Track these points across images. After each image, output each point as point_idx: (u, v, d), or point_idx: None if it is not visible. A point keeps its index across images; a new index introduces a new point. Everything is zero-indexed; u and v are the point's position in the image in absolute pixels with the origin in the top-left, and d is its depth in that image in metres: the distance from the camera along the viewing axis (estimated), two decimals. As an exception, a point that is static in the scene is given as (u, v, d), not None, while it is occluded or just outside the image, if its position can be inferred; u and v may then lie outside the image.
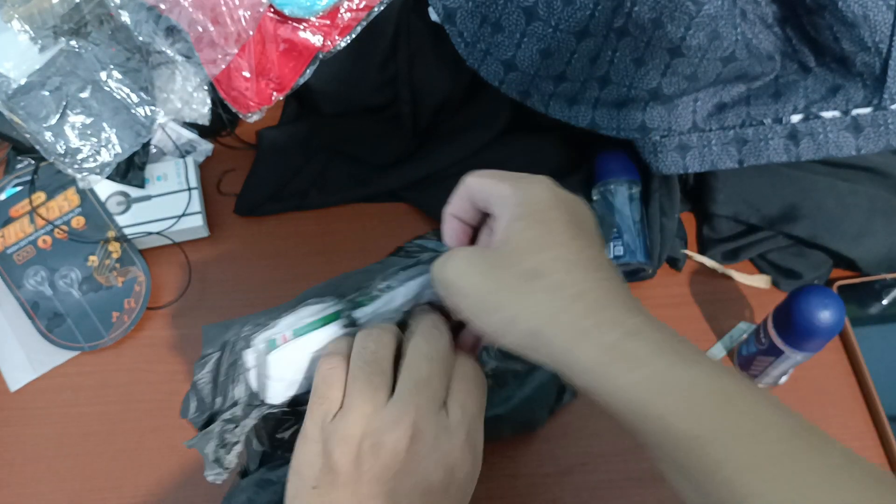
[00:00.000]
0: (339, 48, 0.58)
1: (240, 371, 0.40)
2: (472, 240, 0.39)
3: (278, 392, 0.39)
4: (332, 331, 0.38)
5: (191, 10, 0.55)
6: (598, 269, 0.32)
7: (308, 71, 0.59)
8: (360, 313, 0.39)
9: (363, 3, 0.57)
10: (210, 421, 0.42)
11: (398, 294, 0.39)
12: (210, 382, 0.43)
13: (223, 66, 0.57)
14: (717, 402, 0.28)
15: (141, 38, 0.57)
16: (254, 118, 0.59)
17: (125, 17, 0.56)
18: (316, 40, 0.58)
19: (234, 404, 0.41)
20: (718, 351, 0.59)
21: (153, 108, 0.62)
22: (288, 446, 0.40)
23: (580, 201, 0.36)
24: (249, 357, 0.39)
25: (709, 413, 0.28)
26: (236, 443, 0.41)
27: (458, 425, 0.33)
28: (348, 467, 0.32)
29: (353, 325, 0.38)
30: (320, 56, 0.59)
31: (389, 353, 0.35)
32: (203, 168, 0.67)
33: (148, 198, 0.63)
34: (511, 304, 0.31)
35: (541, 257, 0.32)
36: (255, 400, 0.41)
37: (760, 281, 0.61)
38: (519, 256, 0.32)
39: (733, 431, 0.28)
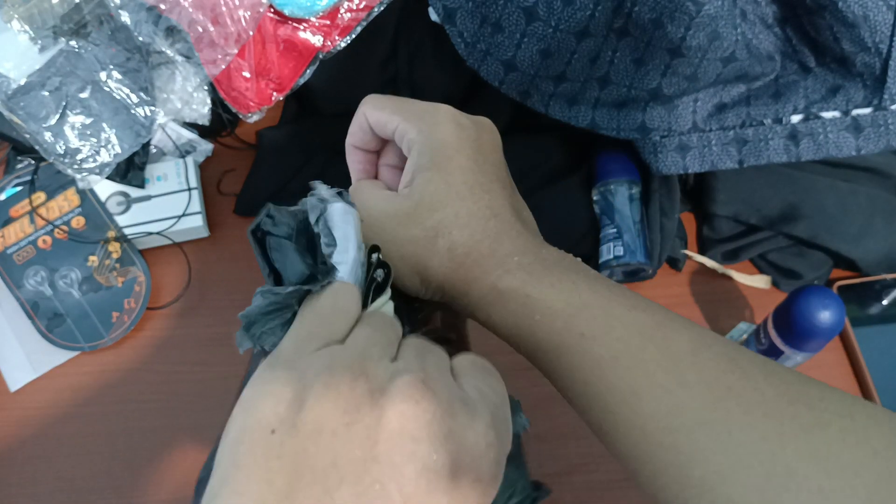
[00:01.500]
0: (339, 48, 0.58)
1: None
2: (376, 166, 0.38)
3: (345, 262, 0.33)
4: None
5: (191, 10, 0.55)
6: (489, 217, 0.32)
7: (308, 71, 0.59)
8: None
9: (363, 3, 0.57)
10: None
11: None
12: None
13: (223, 67, 0.57)
14: (571, 309, 0.30)
15: (141, 39, 0.57)
16: (254, 118, 0.59)
17: (125, 17, 0.56)
18: (316, 40, 0.58)
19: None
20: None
21: (153, 108, 0.62)
22: None
23: (484, 129, 0.35)
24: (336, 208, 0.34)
25: (564, 323, 0.30)
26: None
27: (479, 405, 0.25)
28: (331, 414, 0.22)
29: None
30: (320, 56, 0.59)
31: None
32: (203, 168, 0.67)
33: (148, 198, 0.63)
34: (421, 266, 0.32)
35: (440, 214, 0.32)
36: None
37: (760, 281, 0.61)
38: (423, 212, 0.32)
39: (583, 338, 0.29)
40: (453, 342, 0.41)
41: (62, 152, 0.60)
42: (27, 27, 0.59)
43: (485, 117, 0.36)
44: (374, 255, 0.33)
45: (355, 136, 0.37)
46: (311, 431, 0.22)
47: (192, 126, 0.66)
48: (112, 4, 0.56)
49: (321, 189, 0.36)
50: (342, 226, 0.35)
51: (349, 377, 0.23)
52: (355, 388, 0.23)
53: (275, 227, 0.36)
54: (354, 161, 0.38)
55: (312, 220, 0.35)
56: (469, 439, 0.23)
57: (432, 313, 0.38)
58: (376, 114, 0.35)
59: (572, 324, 0.30)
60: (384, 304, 0.35)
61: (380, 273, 0.34)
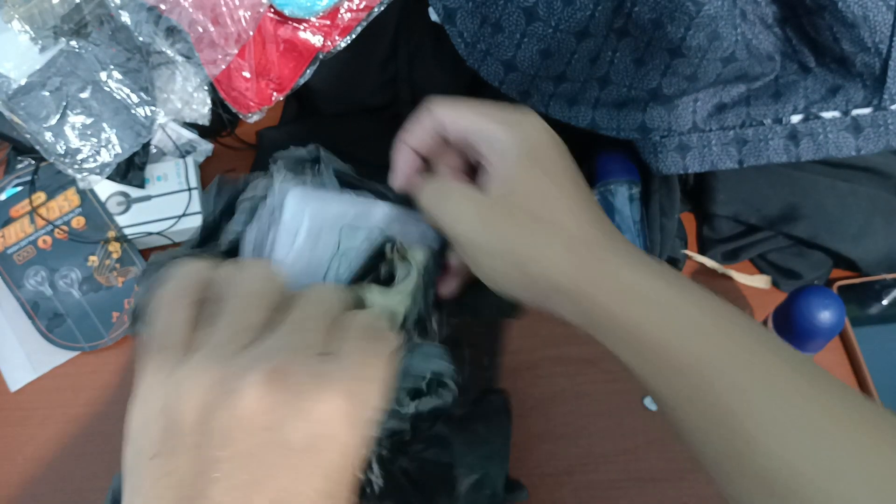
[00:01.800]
0: (339, 48, 0.58)
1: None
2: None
3: (284, 245, 0.35)
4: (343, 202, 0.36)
5: (191, 10, 0.55)
6: (596, 216, 0.33)
7: (308, 71, 0.59)
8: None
9: (363, 3, 0.57)
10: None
11: (379, 206, 0.37)
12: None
13: (223, 67, 0.57)
14: (718, 330, 0.30)
15: (141, 39, 0.57)
16: (254, 118, 0.59)
17: (125, 17, 0.56)
18: (316, 40, 0.58)
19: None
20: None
21: (153, 108, 0.62)
22: None
23: (556, 135, 0.35)
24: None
25: (711, 340, 0.30)
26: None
27: (338, 372, 0.26)
28: (193, 425, 0.24)
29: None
30: (320, 56, 0.59)
31: (276, 297, 0.29)
32: (203, 168, 0.67)
33: (148, 198, 0.63)
34: (530, 261, 0.32)
35: (550, 207, 0.32)
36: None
37: (760, 281, 0.61)
38: (529, 210, 0.32)
39: (732, 357, 0.30)
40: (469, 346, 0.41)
41: (63, 152, 0.60)
42: (28, 27, 0.59)
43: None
44: (389, 245, 0.34)
45: (416, 136, 0.36)
46: (187, 447, 0.24)
47: (192, 126, 0.66)
48: (112, 5, 0.56)
49: (281, 172, 0.36)
50: (294, 212, 0.35)
51: (205, 387, 0.25)
52: (213, 392, 0.25)
53: (217, 196, 0.37)
54: (405, 161, 0.37)
55: (248, 195, 0.36)
56: (320, 413, 0.25)
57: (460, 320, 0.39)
58: (453, 115, 0.34)
59: (716, 342, 0.30)
60: (393, 300, 0.35)
61: (384, 270, 0.35)
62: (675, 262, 0.62)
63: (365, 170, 0.66)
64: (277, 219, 0.37)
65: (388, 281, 0.38)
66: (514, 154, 0.33)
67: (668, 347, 0.30)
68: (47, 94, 0.60)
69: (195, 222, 0.62)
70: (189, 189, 0.63)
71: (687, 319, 0.30)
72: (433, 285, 0.37)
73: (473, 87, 0.64)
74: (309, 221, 0.36)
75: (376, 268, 0.38)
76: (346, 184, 0.41)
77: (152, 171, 0.63)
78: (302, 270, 0.37)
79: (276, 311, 0.28)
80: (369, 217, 0.38)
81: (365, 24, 0.58)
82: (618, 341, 0.32)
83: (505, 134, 0.33)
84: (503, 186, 0.33)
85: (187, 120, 0.64)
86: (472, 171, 0.37)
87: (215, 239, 0.38)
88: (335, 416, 0.25)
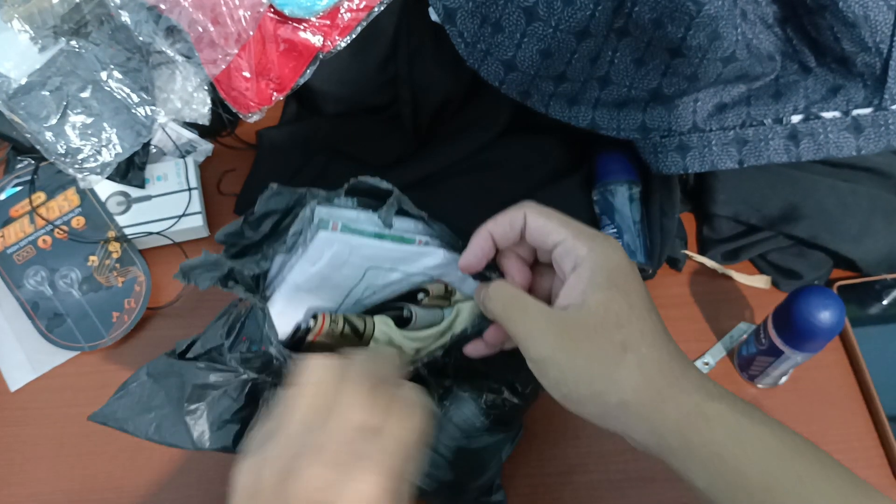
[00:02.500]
0: (339, 48, 0.58)
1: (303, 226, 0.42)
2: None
3: (302, 271, 0.41)
4: (375, 245, 0.42)
5: (191, 10, 0.55)
6: (669, 339, 0.35)
7: (308, 71, 0.59)
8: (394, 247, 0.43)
9: (363, 3, 0.57)
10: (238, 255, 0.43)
11: (433, 255, 0.41)
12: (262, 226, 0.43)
13: (223, 67, 0.57)
14: (785, 455, 0.33)
15: (141, 39, 0.57)
16: (254, 118, 0.59)
17: (125, 17, 0.56)
18: (316, 40, 0.58)
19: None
20: (718, 351, 0.59)
21: (153, 108, 0.62)
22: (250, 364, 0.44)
23: (633, 262, 0.38)
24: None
25: (779, 465, 0.32)
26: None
27: (378, 454, 0.32)
28: (273, 480, 0.31)
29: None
30: (320, 56, 0.59)
31: (337, 372, 0.34)
32: (203, 168, 0.67)
33: (148, 198, 0.63)
34: (601, 378, 0.33)
35: (627, 331, 0.34)
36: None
37: (760, 281, 0.61)
38: (604, 329, 0.34)
39: (800, 481, 0.32)
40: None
41: (63, 152, 0.60)
42: (27, 27, 0.59)
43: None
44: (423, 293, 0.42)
45: (501, 227, 0.38)
46: (267, 494, 0.31)
47: (192, 126, 0.66)
48: (112, 4, 0.56)
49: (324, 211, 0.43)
50: (321, 248, 0.41)
51: (279, 467, 0.31)
52: (275, 466, 0.31)
53: (266, 202, 0.42)
54: (481, 243, 0.39)
55: (296, 225, 0.42)
56: (362, 490, 0.30)
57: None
58: (541, 221, 0.37)
59: (788, 466, 0.32)
60: (406, 339, 0.42)
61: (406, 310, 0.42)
62: (675, 262, 0.62)
63: (365, 169, 0.66)
64: (304, 249, 0.42)
65: (406, 320, 0.43)
66: (594, 274, 0.35)
67: (745, 471, 0.32)
68: (47, 93, 0.60)
69: (195, 222, 0.62)
70: (189, 189, 0.63)
71: (762, 444, 0.33)
72: (465, 340, 0.41)
73: (473, 87, 0.64)
74: (331, 259, 0.42)
75: (401, 304, 0.43)
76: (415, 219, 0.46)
77: (152, 170, 0.63)
78: (316, 287, 0.42)
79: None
80: (416, 262, 0.43)
81: (365, 24, 0.58)
82: (691, 464, 0.33)
83: (587, 252, 0.35)
84: (580, 304, 0.34)
85: (187, 120, 0.64)
86: (534, 264, 0.40)
87: (253, 254, 0.43)
88: (375, 491, 0.30)
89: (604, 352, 0.33)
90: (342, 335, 0.42)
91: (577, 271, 0.35)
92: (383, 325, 0.42)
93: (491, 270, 0.40)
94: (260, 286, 0.44)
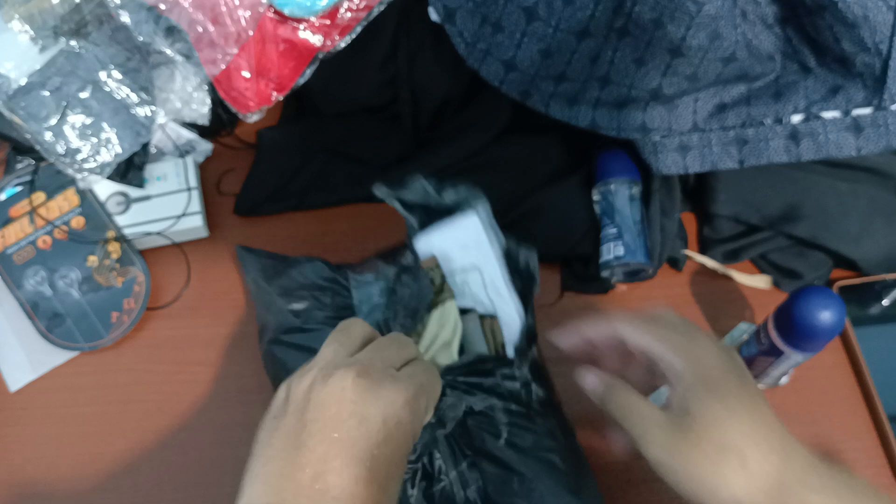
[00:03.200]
0: (339, 48, 0.58)
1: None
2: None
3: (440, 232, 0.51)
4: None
5: (190, 10, 0.55)
6: (776, 434, 0.37)
7: (308, 71, 0.59)
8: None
9: (363, 2, 0.57)
10: None
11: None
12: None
13: (223, 67, 0.57)
14: None
15: (141, 39, 0.57)
16: (253, 118, 0.59)
17: (125, 17, 0.56)
18: (316, 40, 0.58)
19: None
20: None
21: (153, 108, 0.62)
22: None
23: (735, 353, 0.40)
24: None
25: None
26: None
27: (406, 380, 0.38)
28: (300, 395, 0.36)
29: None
30: (320, 56, 0.59)
31: (364, 334, 0.41)
32: (203, 168, 0.67)
33: (147, 198, 0.62)
34: (710, 480, 0.36)
35: (727, 435, 0.37)
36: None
37: (761, 281, 0.61)
38: (706, 434, 0.37)
39: None
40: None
41: (63, 152, 0.60)
42: (27, 27, 0.59)
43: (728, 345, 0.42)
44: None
45: (599, 333, 0.43)
46: (292, 410, 0.36)
47: (191, 126, 0.66)
48: (112, 4, 0.56)
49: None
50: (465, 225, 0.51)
51: (313, 375, 0.37)
52: (317, 378, 0.37)
53: (403, 191, 0.51)
54: (574, 340, 0.44)
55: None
56: (393, 398, 0.36)
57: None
58: (636, 335, 0.41)
59: None
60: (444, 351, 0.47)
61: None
62: (675, 261, 0.62)
63: (365, 169, 0.66)
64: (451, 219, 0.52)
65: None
66: (689, 383, 0.38)
67: None
68: (47, 93, 0.60)
69: (194, 222, 0.62)
70: (188, 189, 0.63)
71: None
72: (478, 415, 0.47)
73: (474, 86, 0.64)
74: (464, 238, 0.51)
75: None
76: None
77: (152, 170, 0.63)
78: (439, 248, 0.51)
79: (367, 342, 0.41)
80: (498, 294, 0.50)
81: (365, 23, 0.58)
82: None
83: (679, 362, 0.39)
84: (684, 412, 0.38)
85: (187, 120, 0.64)
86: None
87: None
88: (400, 404, 0.36)
89: (708, 456, 0.36)
90: (431, 279, 0.49)
91: (679, 382, 0.39)
92: (453, 308, 0.48)
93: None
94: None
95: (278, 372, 0.52)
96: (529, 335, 0.48)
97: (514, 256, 0.50)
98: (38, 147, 0.60)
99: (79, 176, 0.61)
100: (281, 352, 0.52)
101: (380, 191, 0.51)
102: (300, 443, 0.34)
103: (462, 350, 0.48)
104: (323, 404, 0.35)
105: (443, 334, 0.46)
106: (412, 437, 0.37)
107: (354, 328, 0.41)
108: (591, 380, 0.43)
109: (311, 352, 0.41)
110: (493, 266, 0.49)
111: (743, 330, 0.59)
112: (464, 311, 0.49)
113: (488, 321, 0.49)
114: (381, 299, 0.50)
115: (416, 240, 0.51)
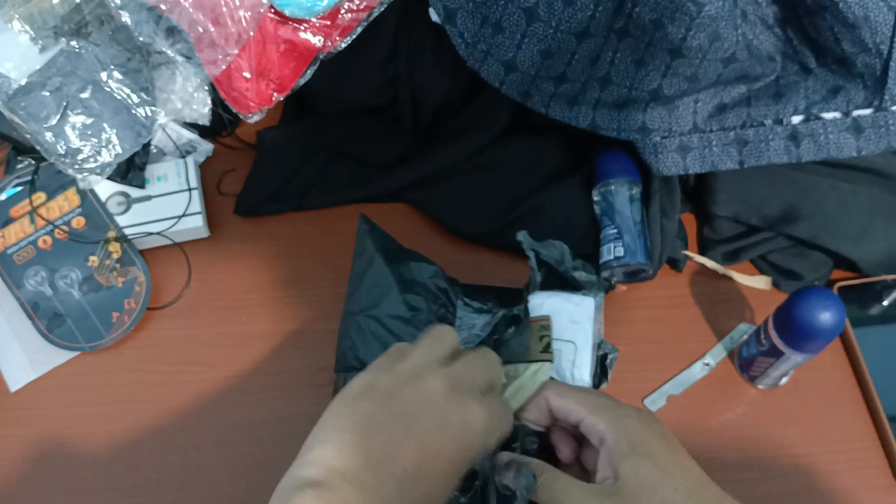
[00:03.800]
0: (339, 49, 0.58)
1: None
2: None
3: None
4: None
5: (191, 10, 0.55)
6: (707, 488, 0.38)
7: (308, 71, 0.59)
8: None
9: (363, 3, 0.57)
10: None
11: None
12: None
13: (223, 67, 0.57)
14: None
15: (141, 39, 0.57)
16: (254, 118, 0.59)
17: (126, 17, 0.56)
18: (316, 41, 0.58)
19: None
20: (719, 352, 0.59)
21: (154, 108, 0.62)
22: None
23: (655, 417, 0.41)
24: None
25: None
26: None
27: (488, 408, 0.39)
28: (389, 387, 0.37)
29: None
30: (321, 56, 0.59)
31: (454, 346, 0.42)
32: (203, 168, 0.67)
33: (148, 198, 0.63)
34: None
35: (661, 492, 0.37)
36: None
37: (761, 282, 0.61)
38: (644, 493, 0.37)
39: None
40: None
41: (63, 152, 0.60)
42: (28, 27, 0.59)
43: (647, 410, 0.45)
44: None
45: (532, 413, 0.44)
46: (378, 398, 0.37)
47: (192, 126, 0.66)
48: (112, 5, 0.56)
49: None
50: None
51: (404, 374, 0.38)
52: (407, 377, 0.38)
53: (543, 249, 0.53)
54: (535, 416, 0.45)
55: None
56: (474, 419, 0.38)
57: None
58: (559, 401, 0.42)
59: None
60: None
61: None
62: (675, 262, 0.62)
63: (365, 169, 0.66)
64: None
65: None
66: (616, 444, 0.39)
67: None
68: (47, 94, 0.60)
69: (195, 222, 0.62)
70: (189, 189, 0.63)
71: None
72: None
73: (474, 87, 0.64)
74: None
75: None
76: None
77: (152, 171, 0.63)
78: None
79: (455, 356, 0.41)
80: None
81: (365, 24, 0.58)
82: None
83: (606, 426, 0.39)
84: (613, 477, 0.38)
85: (187, 120, 0.64)
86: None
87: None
88: (478, 421, 0.37)
89: None
90: (541, 336, 0.50)
91: (603, 445, 0.39)
92: (548, 371, 0.48)
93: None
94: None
95: (353, 345, 0.52)
96: None
97: (601, 349, 0.52)
98: (38, 147, 0.60)
99: (79, 176, 0.61)
100: (374, 328, 0.52)
101: (524, 239, 0.52)
102: (379, 424, 0.35)
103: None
104: (411, 401, 0.37)
105: (527, 388, 0.46)
106: (477, 451, 0.38)
107: (447, 337, 0.42)
108: (508, 476, 0.42)
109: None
110: (587, 350, 0.51)
111: (743, 331, 0.59)
112: None
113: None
114: (482, 332, 0.51)
115: (533, 295, 0.53)
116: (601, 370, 0.52)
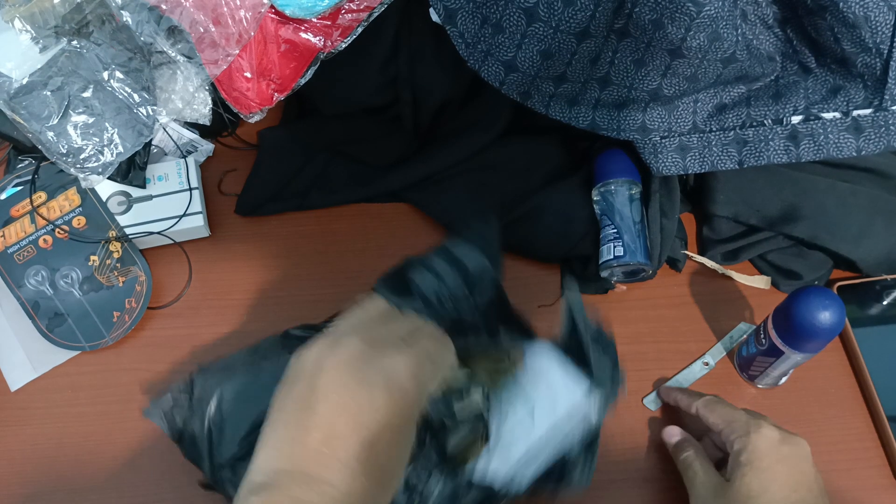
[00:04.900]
0: (339, 49, 0.58)
1: None
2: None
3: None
4: None
5: (192, 10, 0.55)
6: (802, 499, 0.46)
7: (309, 71, 0.59)
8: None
9: (364, 3, 0.57)
10: None
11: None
12: None
13: (224, 67, 0.57)
14: None
15: (143, 39, 0.57)
16: (255, 118, 0.59)
17: (127, 17, 0.56)
18: (317, 41, 0.58)
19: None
20: (718, 351, 0.59)
21: (155, 108, 0.62)
22: None
23: (794, 445, 0.48)
24: None
25: None
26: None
27: (411, 349, 0.38)
28: (310, 363, 0.37)
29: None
30: (321, 57, 0.59)
31: (381, 311, 0.42)
32: (204, 168, 0.67)
33: (149, 198, 0.63)
34: None
35: (759, 501, 0.45)
36: None
37: (760, 282, 0.61)
38: (742, 498, 0.46)
39: None
40: None
41: (64, 152, 0.60)
42: (29, 27, 0.59)
43: (802, 439, 0.48)
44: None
45: (682, 403, 0.54)
46: (303, 377, 0.37)
47: (193, 126, 0.66)
48: (114, 4, 0.56)
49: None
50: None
51: (322, 345, 0.38)
52: (325, 348, 0.38)
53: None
54: (669, 400, 0.56)
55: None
56: (396, 366, 0.37)
57: None
58: (706, 414, 0.51)
59: None
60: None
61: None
62: (675, 262, 0.62)
63: (365, 169, 0.66)
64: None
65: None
66: (738, 457, 0.47)
67: None
68: (49, 93, 0.60)
69: (196, 222, 0.62)
70: (190, 189, 0.63)
71: None
72: None
73: (474, 87, 0.64)
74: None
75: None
76: None
77: (153, 170, 0.63)
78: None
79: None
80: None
81: (365, 24, 0.58)
82: None
83: (735, 441, 0.48)
84: (730, 479, 0.47)
85: (188, 120, 0.64)
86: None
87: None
88: (403, 372, 0.37)
89: None
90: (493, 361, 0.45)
91: (732, 453, 0.48)
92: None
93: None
94: None
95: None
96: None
97: (567, 459, 0.45)
98: (40, 147, 0.60)
99: (80, 176, 0.61)
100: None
101: (569, 290, 0.48)
102: (309, 406, 0.35)
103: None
104: (331, 370, 0.36)
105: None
106: (417, 406, 0.37)
107: (372, 303, 0.42)
108: (669, 432, 0.53)
109: None
110: (544, 450, 0.44)
111: (743, 330, 0.59)
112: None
113: (482, 426, 0.44)
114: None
115: (540, 345, 0.46)
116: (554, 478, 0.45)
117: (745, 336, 0.58)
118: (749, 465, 0.46)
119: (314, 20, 0.57)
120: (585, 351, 0.44)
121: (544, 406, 0.44)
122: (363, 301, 0.42)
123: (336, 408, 0.35)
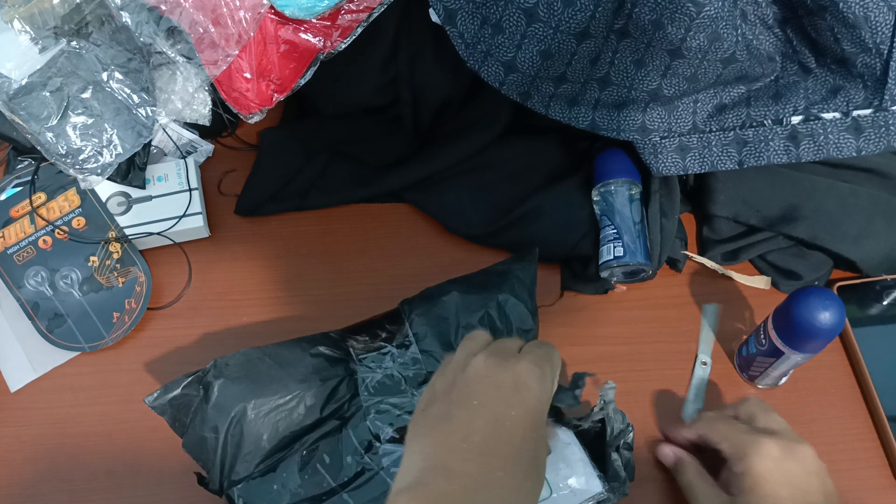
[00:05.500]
0: (339, 49, 0.58)
1: None
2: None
3: None
4: None
5: (192, 11, 0.55)
6: None
7: (309, 72, 0.59)
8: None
9: (364, 4, 0.57)
10: None
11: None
12: None
13: (224, 67, 0.57)
14: None
15: (142, 39, 0.57)
16: (254, 119, 0.59)
17: (126, 18, 0.56)
18: (317, 41, 0.58)
19: None
20: (707, 343, 0.59)
21: (154, 108, 0.62)
22: None
23: (800, 460, 0.47)
24: None
25: None
26: None
27: (527, 355, 0.43)
28: (445, 385, 0.42)
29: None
30: (321, 57, 0.59)
31: (487, 340, 0.46)
32: (204, 169, 0.67)
33: (149, 198, 0.63)
34: None
35: None
36: None
37: (760, 282, 0.61)
38: None
39: None
40: None
41: (64, 152, 0.60)
42: (28, 27, 0.59)
43: (805, 446, 0.48)
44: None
45: (680, 435, 0.53)
46: (439, 398, 0.42)
47: (192, 126, 0.66)
48: (113, 5, 0.56)
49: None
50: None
51: (454, 364, 0.44)
52: (450, 370, 0.44)
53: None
54: (678, 439, 0.54)
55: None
56: (519, 368, 0.42)
57: None
58: (707, 433, 0.50)
59: None
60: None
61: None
62: (675, 262, 0.62)
63: (365, 170, 0.66)
64: None
65: None
66: (743, 476, 0.46)
67: None
68: (48, 94, 0.60)
69: (195, 222, 0.62)
70: (189, 189, 0.63)
71: None
72: None
73: (474, 88, 0.64)
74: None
75: None
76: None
77: (153, 171, 0.63)
78: None
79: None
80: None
81: (365, 25, 0.58)
82: None
83: (740, 461, 0.47)
84: (735, 498, 0.47)
85: (188, 120, 0.64)
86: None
87: None
88: (528, 373, 0.41)
89: None
90: None
91: (735, 472, 0.47)
92: None
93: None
94: None
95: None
96: None
97: None
98: (39, 147, 0.60)
99: (80, 176, 0.61)
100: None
101: (612, 411, 0.50)
102: (448, 416, 0.40)
103: None
104: (464, 384, 0.41)
105: None
106: (542, 402, 0.42)
107: (480, 335, 0.46)
108: (664, 452, 0.53)
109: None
110: None
111: (714, 311, 0.60)
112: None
113: None
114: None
115: (563, 432, 0.50)
116: None
117: (745, 336, 0.58)
118: (751, 493, 0.46)
119: (314, 21, 0.57)
120: (608, 458, 0.49)
121: (559, 484, 0.48)
122: (474, 335, 0.46)
123: (471, 410, 0.40)
